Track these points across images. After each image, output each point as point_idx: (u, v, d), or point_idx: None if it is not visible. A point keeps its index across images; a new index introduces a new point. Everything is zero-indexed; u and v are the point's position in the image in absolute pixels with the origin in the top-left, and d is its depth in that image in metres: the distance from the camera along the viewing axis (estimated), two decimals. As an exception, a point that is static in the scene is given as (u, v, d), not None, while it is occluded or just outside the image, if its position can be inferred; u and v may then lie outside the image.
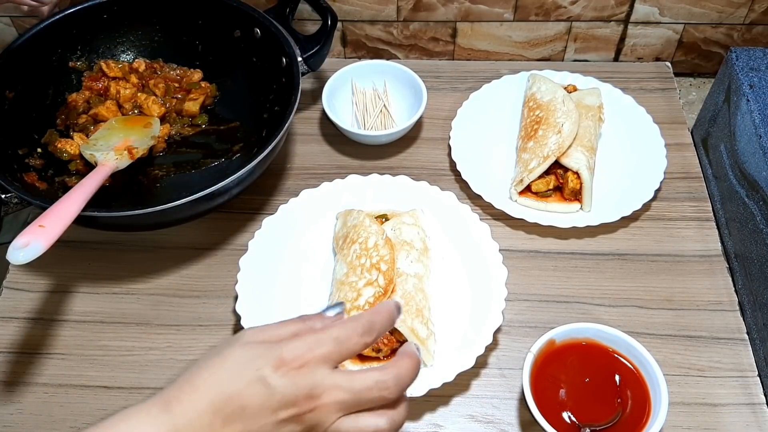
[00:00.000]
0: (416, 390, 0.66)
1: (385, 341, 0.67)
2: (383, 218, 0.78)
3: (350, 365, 0.68)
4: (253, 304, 0.72)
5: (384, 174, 0.83)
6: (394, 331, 0.68)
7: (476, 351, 0.68)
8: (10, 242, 0.57)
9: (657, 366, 0.63)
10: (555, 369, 0.65)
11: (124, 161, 0.76)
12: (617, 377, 0.65)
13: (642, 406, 0.63)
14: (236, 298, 0.71)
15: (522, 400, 0.68)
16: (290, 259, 0.78)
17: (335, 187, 0.82)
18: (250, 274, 0.74)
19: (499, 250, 0.75)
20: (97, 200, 0.68)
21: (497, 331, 0.70)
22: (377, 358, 0.68)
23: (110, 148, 0.77)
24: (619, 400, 0.63)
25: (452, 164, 0.86)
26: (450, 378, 0.66)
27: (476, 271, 0.75)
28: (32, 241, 0.57)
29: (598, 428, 0.62)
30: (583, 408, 0.63)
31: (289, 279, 0.76)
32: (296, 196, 0.85)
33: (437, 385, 0.66)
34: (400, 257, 0.72)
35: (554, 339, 0.66)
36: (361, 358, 0.68)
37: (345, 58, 1.05)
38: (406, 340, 0.67)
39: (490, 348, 0.70)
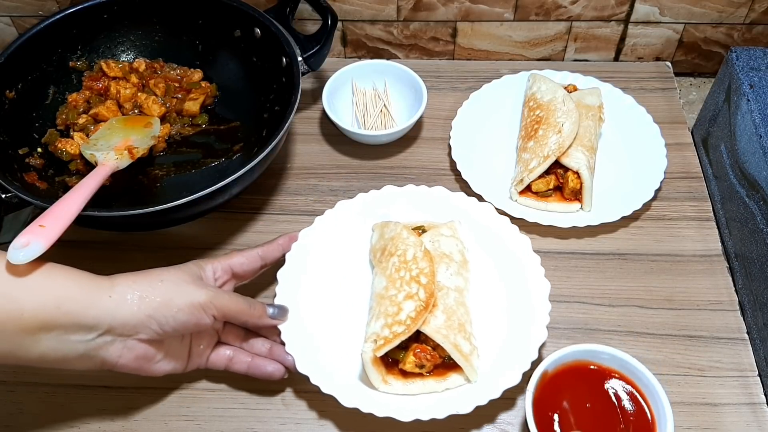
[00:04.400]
0: (462, 407, 0.64)
1: (429, 357, 0.66)
2: (420, 230, 0.76)
3: (394, 381, 0.66)
4: (291, 318, 0.70)
5: (420, 185, 0.81)
6: (437, 347, 0.66)
7: (522, 367, 0.65)
8: (10, 242, 0.57)
9: (656, 381, 0.61)
10: (553, 399, 0.63)
11: (125, 161, 0.76)
12: (613, 396, 0.63)
13: (644, 418, 0.62)
14: None
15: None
16: (327, 271, 0.76)
17: (371, 198, 0.80)
18: (288, 286, 0.72)
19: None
20: (97, 200, 0.68)
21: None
22: (420, 374, 0.67)
23: (110, 147, 0.77)
24: (622, 426, 0.61)
25: (452, 164, 0.86)
26: (497, 395, 0.64)
27: (517, 284, 0.73)
28: (32, 241, 0.57)
29: None
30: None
31: (326, 291, 0.74)
32: (296, 196, 0.85)
33: (484, 402, 0.64)
34: (440, 270, 0.71)
35: (547, 370, 0.63)
36: (404, 374, 0.67)
37: (345, 57, 1.05)
38: (449, 356, 0.66)
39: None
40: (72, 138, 0.83)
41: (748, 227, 0.77)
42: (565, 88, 0.88)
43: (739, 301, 0.76)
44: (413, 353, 0.66)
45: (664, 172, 0.84)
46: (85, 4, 0.86)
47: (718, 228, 0.83)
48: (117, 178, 0.78)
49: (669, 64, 1.01)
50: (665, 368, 0.71)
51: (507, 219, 0.78)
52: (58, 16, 0.85)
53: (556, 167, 0.82)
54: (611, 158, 0.87)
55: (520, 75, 0.95)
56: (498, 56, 1.03)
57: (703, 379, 0.70)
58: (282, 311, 0.68)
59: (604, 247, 0.81)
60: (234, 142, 0.85)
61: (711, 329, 0.74)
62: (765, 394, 0.70)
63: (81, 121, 0.85)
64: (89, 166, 0.81)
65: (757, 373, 0.71)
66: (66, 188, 0.80)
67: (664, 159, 0.84)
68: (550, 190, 0.82)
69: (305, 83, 0.95)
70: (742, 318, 0.75)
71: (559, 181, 0.82)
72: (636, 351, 0.72)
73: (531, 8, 0.96)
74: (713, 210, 0.84)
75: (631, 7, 0.96)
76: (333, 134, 0.92)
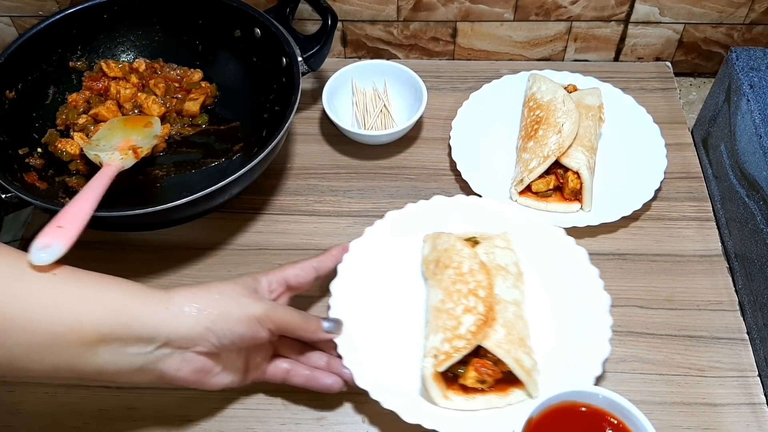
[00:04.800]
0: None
1: (490, 372, 0.64)
2: (472, 241, 0.74)
3: (455, 397, 0.65)
4: (347, 331, 0.68)
5: (470, 195, 0.80)
6: (497, 362, 0.65)
7: (588, 382, 0.64)
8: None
9: (648, 424, 0.58)
10: None
11: (130, 160, 0.76)
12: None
13: None
14: None
15: None
16: (379, 282, 0.74)
17: (420, 208, 0.78)
18: (341, 298, 0.71)
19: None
20: (97, 200, 0.68)
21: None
22: (481, 390, 0.65)
23: (113, 148, 0.77)
24: None
25: (452, 164, 0.86)
26: None
27: (573, 298, 0.72)
28: (53, 242, 0.58)
29: None
30: None
31: (380, 303, 0.73)
32: (296, 196, 0.85)
33: None
34: (497, 283, 0.69)
35: (532, 416, 0.60)
36: (465, 389, 0.65)
37: (345, 58, 1.05)
38: (509, 371, 0.64)
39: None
40: (72, 138, 0.83)
41: (748, 227, 0.77)
42: (565, 88, 0.88)
43: (739, 301, 0.76)
44: (474, 368, 0.64)
45: (664, 172, 0.84)
46: (85, 4, 0.86)
47: (718, 228, 0.83)
48: (117, 178, 0.77)
49: (669, 64, 1.01)
50: (665, 368, 0.71)
51: (562, 230, 0.76)
52: (58, 16, 0.85)
53: (556, 167, 0.82)
54: (611, 158, 0.87)
55: (520, 75, 0.94)
56: (498, 56, 1.03)
57: (703, 379, 0.70)
58: (337, 325, 0.67)
59: (604, 247, 0.80)
60: (234, 142, 0.85)
61: (711, 329, 0.74)
62: (765, 394, 0.70)
63: (81, 121, 0.85)
64: (89, 166, 0.81)
65: (757, 373, 0.71)
66: (66, 188, 0.80)
67: (664, 159, 0.84)
68: (550, 190, 0.82)
69: (305, 83, 0.95)
70: (742, 318, 0.75)
71: (559, 181, 0.82)
72: (636, 351, 0.72)
73: (531, 8, 0.97)
74: (713, 210, 0.84)
75: (631, 7, 0.96)
76: (333, 134, 0.92)
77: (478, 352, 0.65)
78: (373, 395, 0.64)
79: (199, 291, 0.60)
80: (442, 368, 0.64)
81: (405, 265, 0.77)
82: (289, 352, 0.68)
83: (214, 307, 0.59)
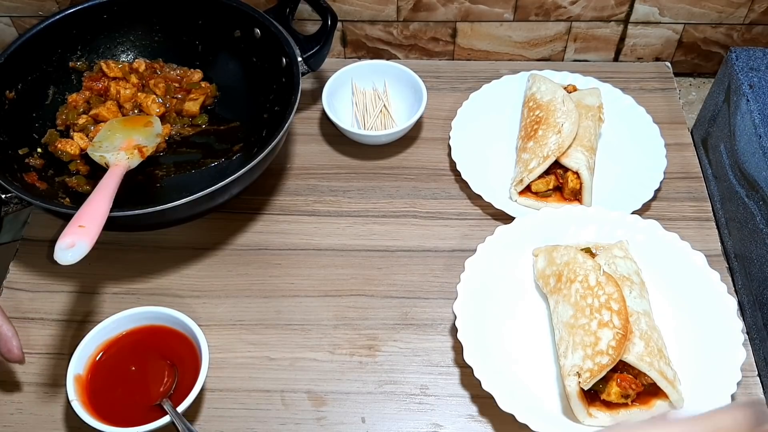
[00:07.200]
0: None
1: (633, 386, 0.63)
2: (586, 252, 0.73)
3: (599, 413, 0.64)
4: (484, 354, 0.68)
5: (574, 203, 0.80)
6: (638, 374, 0.64)
7: (729, 389, 0.64)
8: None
9: (187, 318, 0.68)
10: (103, 380, 0.66)
11: (136, 160, 0.77)
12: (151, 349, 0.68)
13: (194, 356, 0.67)
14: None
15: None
16: (498, 301, 0.74)
17: (530, 222, 0.77)
18: (467, 318, 0.70)
19: (500, 250, 0.75)
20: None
21: None
22: (624, 404, 0.64)
23: (116, 148, 0.77)
24: (169, 365, 0.66)
25: (452, 164, 0.86)
26: None
27: (697, 303, 0.71)
28: (77, 241, 0.59)
29: (171, 395, 0.64)
30: (150, 389, 0.66)
31: (503, 323, 0.72)
32: (296, 196, 0.85)
33: None
34: (624, 294, 0.68)
35: (78, 373, 0.66)
36: (607, 405, 0.64)
37: (345, 58, 1.05)
38: (651, 383, 0.64)
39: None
40: (72, 138, 0.83)
41: (748, 227, 0.77)
42: (565, 88, 0.88)
43: (739, 301, 0.76)
44: (616, 383, 0.64)
45: (664, 173, 0.84)
46: (85, 4, 0.86)
47: (718, 228, 0.83)
48: (117, 178, 0.78)
49: (669, 64, 1.01)
50: (665, 368, 0.71)
51: (676, 235, 0.75)
52: (58, 16, 0.85)
53: (556, 167, 0.82)
54: (611, 158, 0.87)
55: (519, 75, 0.95)
56: (498, 56, 1.03)
57: (703, 379, 0.70)
58: None
59: (603, 247, 0.80)
60: (234, 143, 0.85)
61: (711, 329, 0.74)
62: (765, 395, 0.70)
63: (81, 121, 0.85)
64: (89, 167, 0.81)
65: (756, 373, 0.71)
66: (66, 188, 0.80)
67: (663, 159, 0.84)
68: (549, 190, 0.82)
69: (305, 83, 0.95)
70: (741, 318, 0.75)
71: (559, 181, 0.82)
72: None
73: (531, 8, 0.97)
74: (713, 210, 0.84)
75: (631, 7, 0.96)
76: (333, 134, 0.92)
77: (617, 366, 0.64)
78: (520, 419, 0.63)
79: None
80: (589, 385, 0.63)
81: (517, 280, 0.76)
82: None
83: None
